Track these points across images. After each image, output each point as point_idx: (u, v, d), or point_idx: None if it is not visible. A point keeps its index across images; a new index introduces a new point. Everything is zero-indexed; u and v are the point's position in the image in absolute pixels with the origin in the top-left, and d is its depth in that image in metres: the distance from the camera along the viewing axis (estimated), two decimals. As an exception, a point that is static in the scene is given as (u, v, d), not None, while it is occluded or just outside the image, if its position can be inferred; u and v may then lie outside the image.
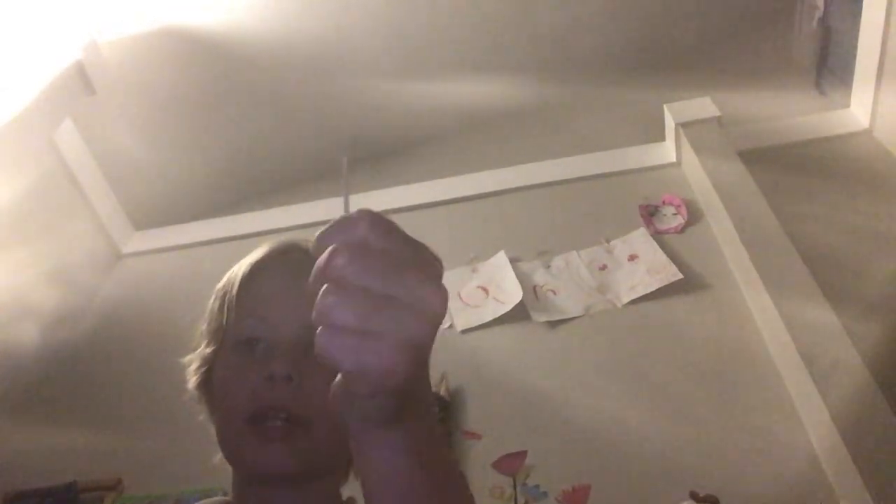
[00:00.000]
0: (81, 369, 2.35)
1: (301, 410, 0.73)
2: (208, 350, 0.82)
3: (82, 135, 2.72)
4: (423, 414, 0.50)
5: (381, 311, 0.42)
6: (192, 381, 0.83)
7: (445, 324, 2.08)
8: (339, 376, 0.47)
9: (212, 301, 0.84)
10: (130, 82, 2.80)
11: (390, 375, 0.43)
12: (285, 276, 0.79)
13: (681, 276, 2.14)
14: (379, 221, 0.44)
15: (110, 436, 2.07)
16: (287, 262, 0.80)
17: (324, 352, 0.43)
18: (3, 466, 2.02)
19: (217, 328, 0.81)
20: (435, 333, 0.44)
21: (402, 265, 0.43)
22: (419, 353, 0.44)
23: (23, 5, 2.44)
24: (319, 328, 0.43)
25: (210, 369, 0.81)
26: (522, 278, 2.25)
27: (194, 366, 0.83)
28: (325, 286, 0.43)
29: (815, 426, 1.69)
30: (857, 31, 2.41)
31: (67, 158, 2.63)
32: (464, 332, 2.16)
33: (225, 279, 0.83)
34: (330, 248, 0.43)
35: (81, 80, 2.60)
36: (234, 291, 0.80)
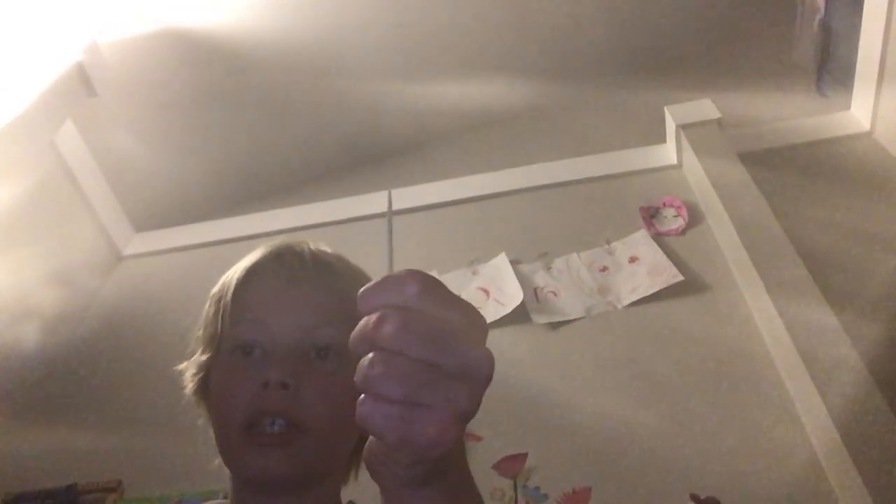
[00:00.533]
0: (81, 370, 2.34)
1: (298, 416, 0.73)
2: (204, 356, 0.82)
3: (83, 136, 2.72)
4: (455, 464, 0.49)
5: (430, 383, 0.41)
6: (189, 386, 0.83)
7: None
8: (371, 438, 0.45)
9: (207, 306, 0.83)
10: (131, 84, 2.80)
11: (436, 445, 0.41)
12: (280, 280, 0.79)
13: (682, 277, 2.14)
14: (429, 284, 0.43)
15: (110, 437, 2.07)
16: (282, 265, 0.80)
17: (367, 422, 0.41)
18: (3, 468, 2.02)
19: (212, 333, 0.81)
20: (481, 399, 0.43)
21: (452, 333, 0.42)
22: (467, 419, 0.43)
23: (23, 7, 2.44)
24: (363, 396, 0.42)
25: (207, 375, 0.81)
26: (523, 280, 2.25)
27: (190, 372, 0.83)
28: (371, 354, 0.41)
29: (815, 427, 1.69)
30: (858, 33, 2.41)
31: (68, 160, 2.63)
32: (464, 333, 2.15)
33: (220, 284, 0.83)
34: (378, 313, 0.41)
35: (82, 82, 2.60)
36: (229, 296, 0.79)
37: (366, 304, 0.43)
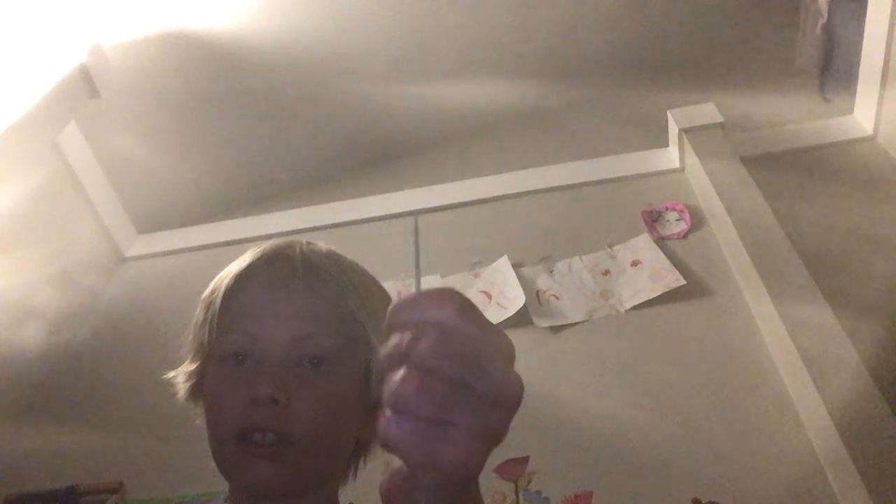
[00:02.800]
0: (83, 372, 2.35)
1: (288, 430, 0.71)
2: (193, 366, 0.81)
3: (86, 138, 2.73)
4: (473, 497, 0.48)
5: (461, 403, 0.40)
6: (180, 394, 0.82)
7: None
8: (394, 464, 0.43)
9: (197, 312, 0.82)
10: (134, 86, 2.81)
11: (462, 467, 0.41)
12: (270, 288, 0.77)
13: (684, 281, 2.13)
14: (465, 304, 0.42)
15: (112, 439, 2.07)
16: (273, 272, 0.78)
17: (392, 439, 0.40)
18: (4, 469, 2.02)
19: (201, 342, 0.80)
20: (510, 423, 0.43)
21: (486, 355, 0.42)
22: (494, 443, 0.42)
23: (28, 9, 2.44)
24: (389, 412, 0.41)
25: (199, 381, 0.80)
26: (525, 283, 2.25)
27: (181, 379, 0.82)
28: (403, 370, 0.41)
29: (815, 428, 1.69)
30: (861, 37, 2.41)
31: (71, 161, 2.63)
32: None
33: (209, 289, 0.81)
34: (414, 329, 0.41)
35: (86, 84, 2.60)
36: (218, 304, 0.78)
37: (398, 318, 0.42)
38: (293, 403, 0.72)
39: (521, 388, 0.42)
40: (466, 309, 0.42)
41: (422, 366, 0.40)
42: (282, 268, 0.78)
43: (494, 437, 0.42)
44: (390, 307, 0.43)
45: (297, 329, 0.75)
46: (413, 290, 0.45)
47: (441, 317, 0.41)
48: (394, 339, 0.42)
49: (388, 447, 0.41)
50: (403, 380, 0.40)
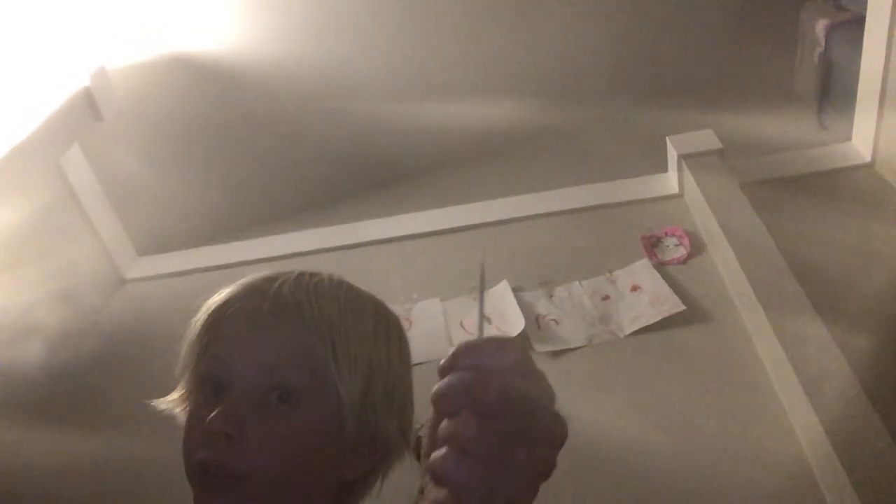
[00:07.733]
0: (82, 392, 2.34)
1: (239, 465, 0.72)
2: (178, 393, 0.83)
3: (89, 160, 2.74)
4: None
5: (518, 445, 0.44)
6: (180, 419, 0.83)
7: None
8: (435, 495, 0.45)
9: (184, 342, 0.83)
10: (137, 109, 2.83)
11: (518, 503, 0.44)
12: (242, 321, 0.77)
13: (683, 307, 2.13)
14: (524, 355, 0.47)
15: (110, 459, 2.06)
16: (245, 305, 0.79)
17: (450, 477, 0.43)
18: (3, 487, 2.01)
19: (180, 370, 0.82)
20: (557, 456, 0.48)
21: (540, 400, 0.46)
22: (544, 479, 0.47)
23: (33, 31, 2.47)
24: (445, 451, 0.44)
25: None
26: (525, 308, 2.25)
27: (173, 405, 0.84)
28: (466, 412, 0.44)
29: (811, 446, 1.70)
30: (859, 65, 2.43)
31: (73, 183, 2.64)
32: (465, 360, 2.14)
33: (195, 318, 0.83)
34: (479, 374, 0.44)
35: (89, 107, 2.62)
36: (195, 333, 0.80)
37: (462, 360, 0.45)
38: (249, 437, 0.72)
39: (567, 428, 0.47)
40: (524, 359, 0.47)
41: (487, 409, 0.44)
42: (254, 302, 0.78)
43: (545, 474, 0.47)
44: (458, 347, 0.46)
45: (261, 359, 0.75)
46: (475, 333, 0.51)
47: (502, 365, 0.45)
48: (461, 378, 0.45)
49: (443, 484, 0.43)
50: (466, 422, 0.44)
